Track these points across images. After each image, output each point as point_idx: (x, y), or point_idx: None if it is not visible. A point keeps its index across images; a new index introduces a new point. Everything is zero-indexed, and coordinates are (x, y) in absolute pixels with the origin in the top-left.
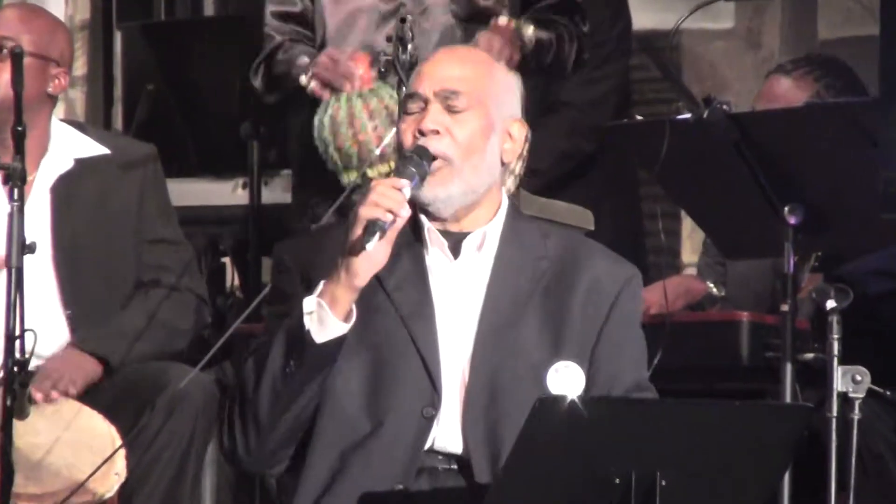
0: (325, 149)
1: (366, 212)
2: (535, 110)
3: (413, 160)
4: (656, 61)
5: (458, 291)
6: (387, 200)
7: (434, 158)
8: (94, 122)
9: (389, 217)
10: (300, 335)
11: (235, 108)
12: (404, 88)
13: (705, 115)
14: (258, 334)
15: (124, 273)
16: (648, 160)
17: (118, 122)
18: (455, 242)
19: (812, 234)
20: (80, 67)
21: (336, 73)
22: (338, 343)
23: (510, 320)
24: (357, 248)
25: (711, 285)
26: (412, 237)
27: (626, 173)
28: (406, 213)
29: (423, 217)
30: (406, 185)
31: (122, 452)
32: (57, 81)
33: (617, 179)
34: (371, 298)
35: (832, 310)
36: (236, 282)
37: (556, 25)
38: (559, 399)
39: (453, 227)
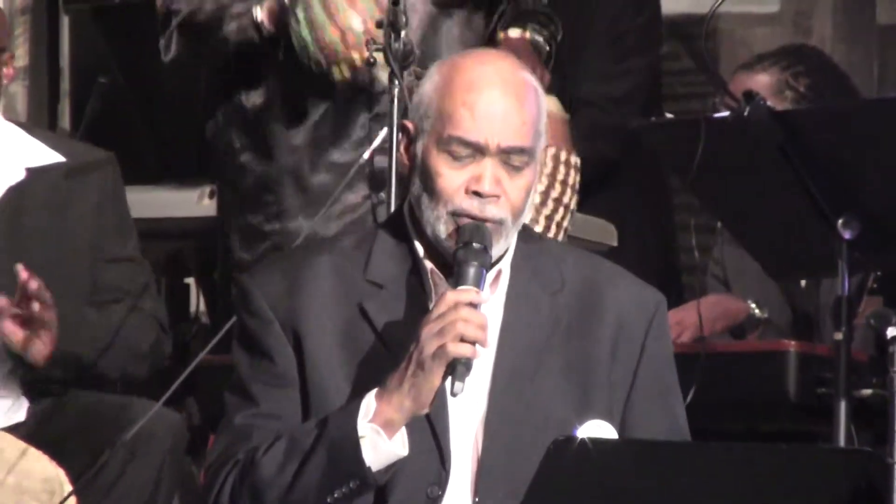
0: (305, 49)
1: (454, 349)
2: None
3: (476, 253)
4: (689, 50)
5: None
6: (473, 330)
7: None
8: (37, 120)
9: (479, 351)
10: (352, 463)
11: (201, 105)
12: (397, 83)
13: (746, 113)
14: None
15: (78, 295)
16: (681, 165)
17: (65, 120)
18: None
19: (870, 251)
20: (21, 58)
21: None
22: (391, 468)
23: (528, 370)
24: (432, 386)
25: (753, 305)
26: (412, 278)
27: (655, 181)
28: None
29: (423, 256)
30: (486, 298)
31: (73, 501)
32: (5, 69)
33: (645, 188)
34: (369, 353)
35: (894, 338)
36: (202, 306)
37: (536, 17)
38: (577, 441)
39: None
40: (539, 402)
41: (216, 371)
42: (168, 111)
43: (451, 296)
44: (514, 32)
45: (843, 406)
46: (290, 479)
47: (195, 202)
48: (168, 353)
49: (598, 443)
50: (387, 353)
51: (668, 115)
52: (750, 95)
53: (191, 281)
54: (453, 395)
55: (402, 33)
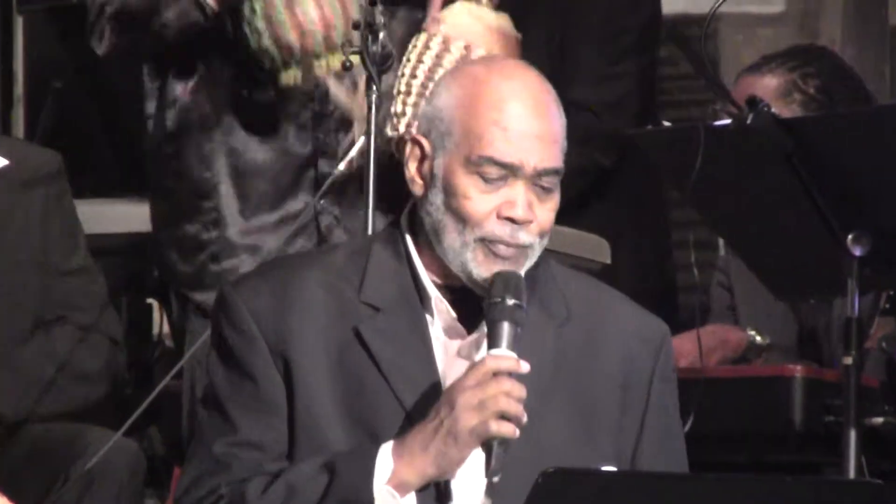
0: (259, 42)
1: (496, 429)
2: None
3: (513, 311)
4: (688, 54)
5: None
6: (515, 406)
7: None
8: None
9: (518, 431)
10: None
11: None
12: (375, 88)
13: (749, 121)
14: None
15: (23, 310)
16: (679, 176)
17: (19, 127)
18: (466, 306)
19: (882, 268)
20: None
21: None
22: None
23: (534, 410)
24: (462, 459)
25: (753, 332)
26: (411, 302)
27: (652, 193)
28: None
29: (425, 278)
30: (526, 368)
31: None
32: None
33: (641, 201)
34: (365, 383)
35: None
36: (165, 327)
37: None
38: (567, 473)
39: (460, 283)
40: (546, 443)
41: (181, 399)
42: (126, 118)
43: (492, 364)
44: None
45: (852, 435)
46: None
47: None
48: (124, 367)
49: (590, 474)
50: (385, 384)
51: (666, 123)
52: (753, 101)
53: (153, 302)
54: (489, 478)
55: (381, 35)
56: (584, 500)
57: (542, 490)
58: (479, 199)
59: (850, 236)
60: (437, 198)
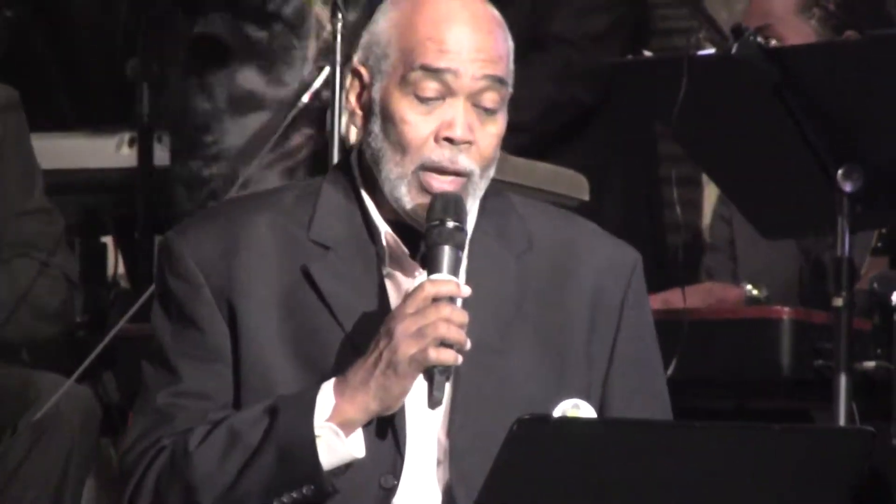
0: None
1: (435, 356)
2: (519, 46)
3: (452, 233)
4: None
5: None
6: (456, 332)
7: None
8: None
9: (460, 357)
10: (307, 466)
11: (119, 41)
12: (340, 15)
13: (735, 50)
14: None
15: None
16: (662, 109)
17: None
18: (418, 242)
19: (873, 206)
20: None
21: None
22: (346, 467)
23: (496, 343)
24: (404, 391)
25: (750, 286)
26: (362, 240)
27: (638, 128)
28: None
29: (375, 214)
30: (467, 292)
31: None
32: None
33: (627, 136)
34: (315, 325)
35: None
36: (120, 268)
37: None
38: (543, 420)
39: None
40: (510, 378)
41: (137, 342)
42: (82, 48)
43: (431, 289)
44: None
45: (843, 380)
46: (233, 477)
47: (113, 151)
48: (77, 310)
49: (567, 422)
50: (335, 324)
51: (648, 53)
52: (738, 30)
53: (108, 240)
54: (431, 407)
55: None
56: (561, 449)
57: (516, 438)
58: (416, 123)
59: (840, 171)
60: (375, 125)
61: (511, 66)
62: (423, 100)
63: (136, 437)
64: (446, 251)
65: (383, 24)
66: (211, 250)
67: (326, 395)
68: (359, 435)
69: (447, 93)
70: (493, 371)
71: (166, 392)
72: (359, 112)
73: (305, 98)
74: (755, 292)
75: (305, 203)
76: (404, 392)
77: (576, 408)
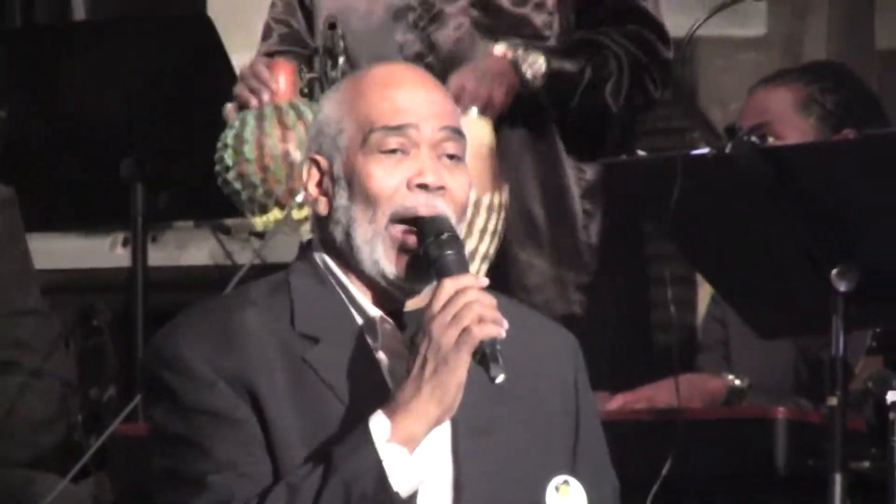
0: (225, 176)
1: (479, 331)
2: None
3: (449, 242)
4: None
5: None
6: (490, 309)
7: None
8: None
9: (503, 330)
10: (380, 492)
11: (116, 139)
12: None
13: (729, 150)
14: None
15: None
16: (655, 209)
17: None
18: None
19: (868, 305)
20: None
21: (250, 85)
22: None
23: (487, 425)
24: (459, 381)
25: (731, 377)
26: (348, 327)
27: (627, 225)
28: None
29: (360, 298)
30: (485, 281)
31: None
32: None
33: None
34: (324, 409)
35: (895, 403)
36: (115, 368)
37: (594, 51)
38: None
39: (399, 302)
40: (506, 456)
41: (131, 442)
42: (77, 147)
43: (450, 284)
44: (499, 50)
45: (838, 479)
46: None
47: (107, 251)
48: (76, 412)
49: None
50: (343, 409)
51: (640, 153)
52: (733, 129)
53: (103, 341)
54: (493, 380)
55: (340, 60)
56: None
57: None
58: (384, 175)
59: (834, 271)
60: (342, 198)
61: (459, 119)
62: (388, 153)
63: None
64: (450, 257)
65: (330, 108)
66: (210, 348)
67: (378, 420)
68: (423, 454)
69: (410, 145)
70: (489, 450)
71: (220, 476)
72: (322, 198)
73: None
74: (737, 382)
75: (279, 297)
76: (460, 385)
77: (566, 483)
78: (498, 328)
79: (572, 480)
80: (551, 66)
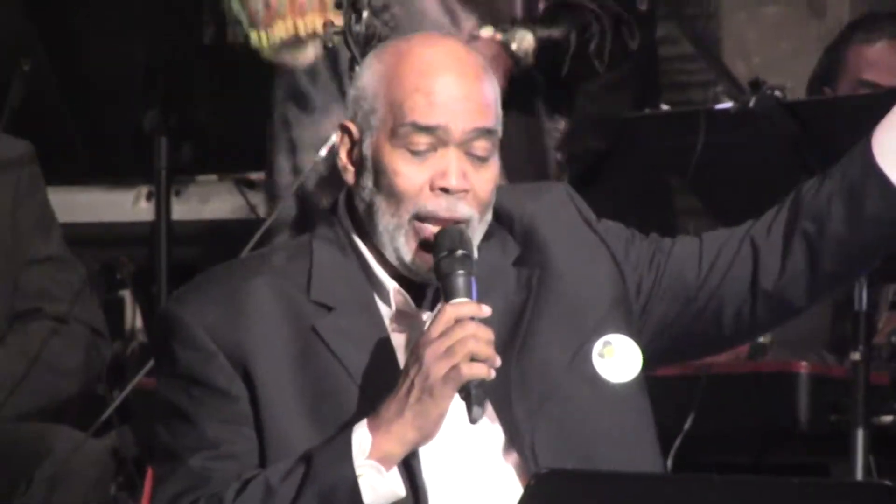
0: (230, 9)
1: (468, 370)
2: None
3: (462, 261)
4: (688, 33)
5: None
6: (485, 347)
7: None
8: None
9: (492, 371)
10: None
11: (138, 93)
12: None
13: (752, 104)
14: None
15: None
16: (679, 163)
17: None
18: (420, 292)
19: (891, 259)
20: None
21: None
22: None
23: (514, 343)
24: (442, 413)
25: None
26: (364, 297)
27: (652, 180)
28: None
29: (377, 268)
30: (488, 311)
31: None
32: None
33: (641, 188)
34: (330, 382)
35: None
36: (138, 322)
37: (575, 14)
38: (561, 475)
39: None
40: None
41: (154, 396)
42: (100, 101)
43: (452, 311)
44: (486, 33)
45: (860, 435)
46: None
47: (131, 205)
48: (106, 360)
49: (585, 475)
50: (351, 383)
51: (665, 107)
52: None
53: (126, 294)
54: (472, 422)
55: (364, 14)
56: (578, 502)
57: (534, 492)
58: (409, 173)
59: None
60: (368, 180)
61: (499, 111)
62: (414, 153)
63: (171, 498)
64: (460, 277)
65: (368, 77)
66: (216, 317)
67: (361, 434)
68: (397, 473)
69: (438, 144)
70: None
71: (199, 456)
72: (350, 168)
73: (323, 152)
74: (759, 339)
75: (298, 263)
76: (442, 416)
77: (608, 345)
78: (488, 369)
79: (614, 337)
80: (538, 36)
